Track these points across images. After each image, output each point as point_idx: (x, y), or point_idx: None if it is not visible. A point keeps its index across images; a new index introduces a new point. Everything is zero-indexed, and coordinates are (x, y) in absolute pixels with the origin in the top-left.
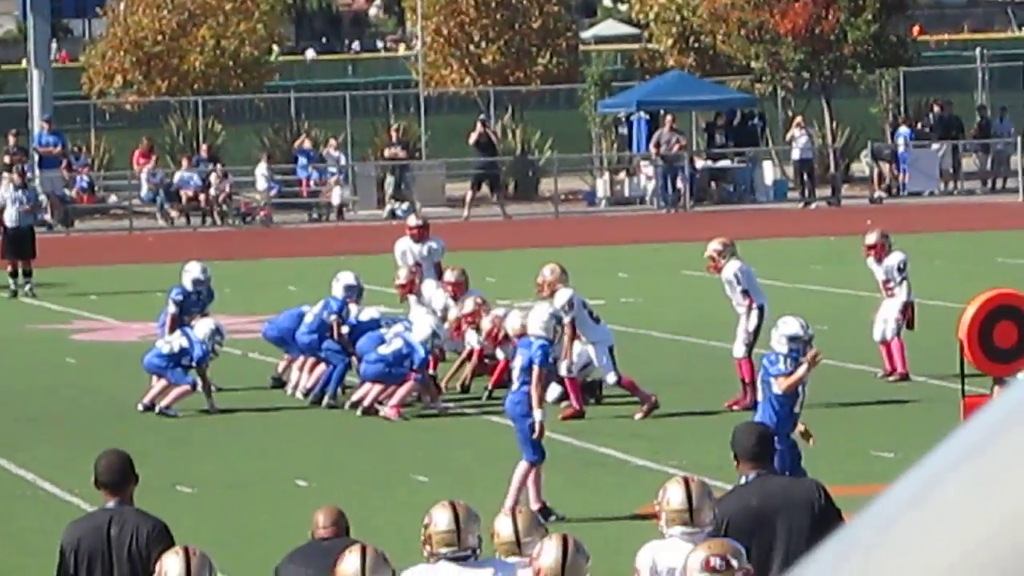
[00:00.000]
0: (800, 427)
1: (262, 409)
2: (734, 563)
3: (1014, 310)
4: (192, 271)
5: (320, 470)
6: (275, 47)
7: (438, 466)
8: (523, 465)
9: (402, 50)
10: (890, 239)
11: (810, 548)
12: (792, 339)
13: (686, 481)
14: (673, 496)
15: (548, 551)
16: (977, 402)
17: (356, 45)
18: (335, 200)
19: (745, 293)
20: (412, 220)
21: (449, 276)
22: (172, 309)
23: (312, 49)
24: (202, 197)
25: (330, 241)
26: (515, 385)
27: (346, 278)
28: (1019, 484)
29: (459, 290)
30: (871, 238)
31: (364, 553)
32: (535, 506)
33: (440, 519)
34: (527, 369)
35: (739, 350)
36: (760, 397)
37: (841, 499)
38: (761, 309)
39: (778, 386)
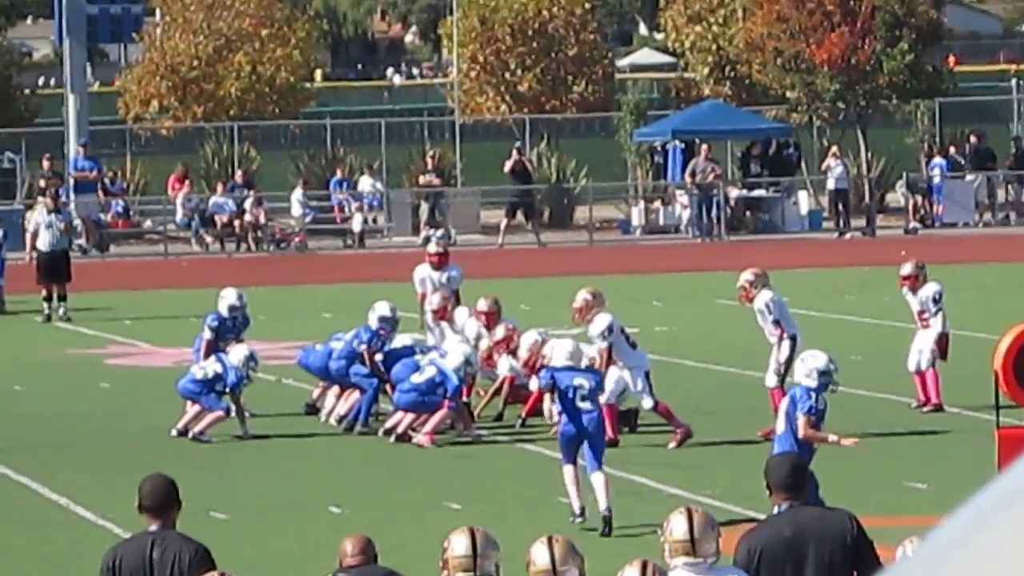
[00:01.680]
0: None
1: (295, 435)
2: None
3: None
4: (228, 297)
5: (353, 497)
6: (318, 72)
7: (471, 494)
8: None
9: (438, 78)
10: (925, 270)
11: None
12: (822, 374)
13: (689, 512)
14: (676, 526)
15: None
16: (1011, 433)
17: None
18: (356, 227)
19: (776, 323)
20: (432, 247)
21: (482, 305)
22: (207, 335)
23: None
24: (237, 223)
25: (365, 268)
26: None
27: (381, 309)
28: None
29: (492, 320)
30: (906, 269)
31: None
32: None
33: (458, 544)
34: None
35: (771, 380)
36: (781, 428)
37: (873, 530)
38: (793, 339)
39: (802, 429)
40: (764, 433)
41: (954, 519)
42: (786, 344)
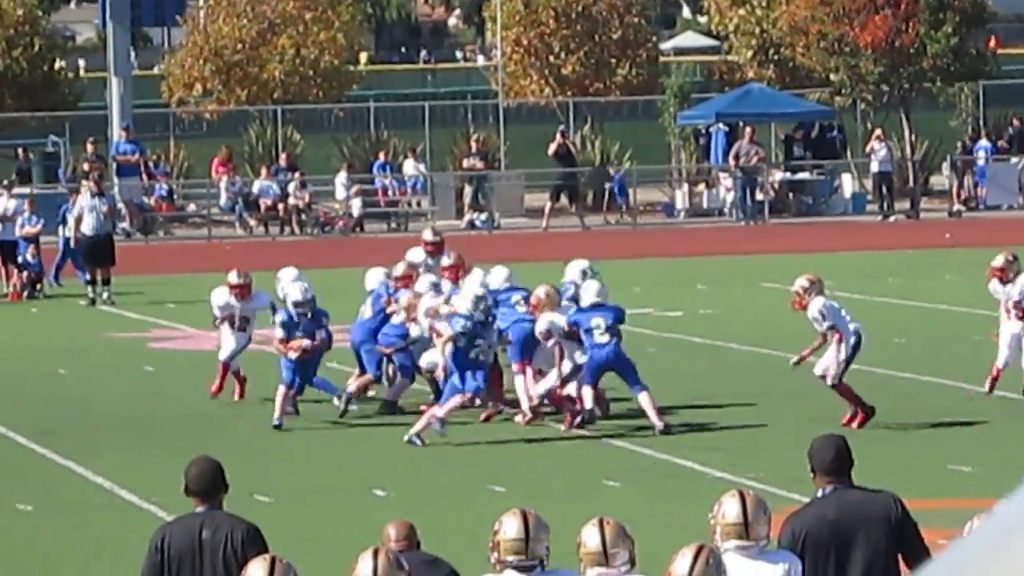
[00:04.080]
0: None
1: (339, 418)
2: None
3: None
4: (293, 294)
5: (397, 480)
6: (363, 55)
7: (515, 477)
8: None
9: (481, 61)
10: (1018, 262)
11: (887, 561)
12: None
13: (741, 494)
14: (728, 510)
15: (682, 561)
16: None
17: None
18: (355, 211)
19: (832, 328)
20: (428, 235)
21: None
22: (280, 333)
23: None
24: (280, 206)
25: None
26: None
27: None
28: None
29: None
30: (999, 261)
31: (376, 557)
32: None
33: (509, 527)
34: None
35: (831, 378)
36: None
37: (918, 513)
38: (858, 336)
39: None
40: (847, 421)
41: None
42: (849, 343)
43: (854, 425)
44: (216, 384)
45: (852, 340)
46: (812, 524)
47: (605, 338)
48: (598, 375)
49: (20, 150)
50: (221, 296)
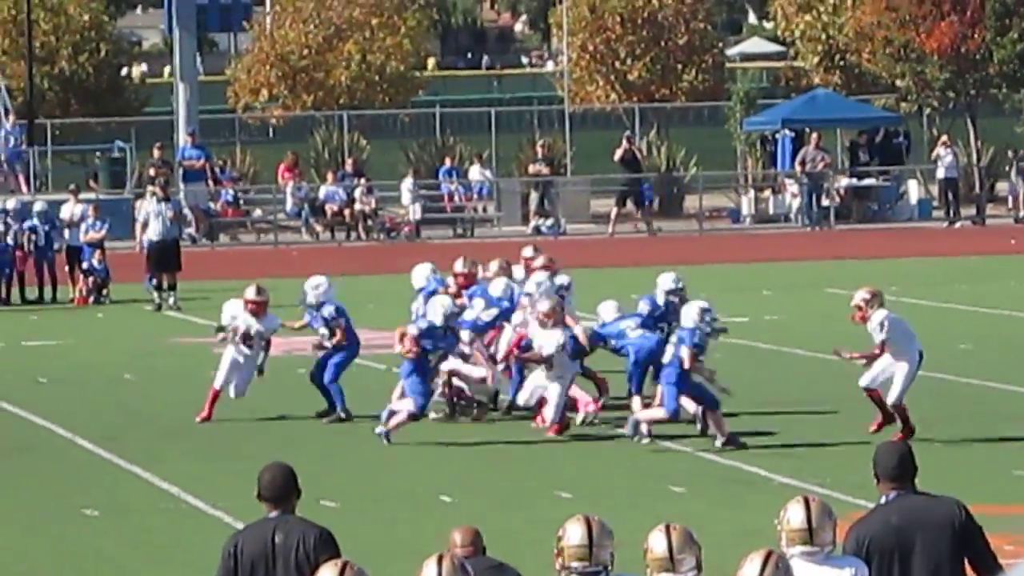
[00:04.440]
0: None
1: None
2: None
3: None
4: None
5: (463, 485)
6: (430, 61)
7: (581, 482)
8: None
9: (548, 66)
10: None
11: (952, 566)
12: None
13: (806, 501)
14: (793, 516)
15: (750, 567)
16: None
17: (491, 63)
18: (412, 216)
19: (884, 343)
20: (459, 266)
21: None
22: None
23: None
24: (347, 212)
25: (475, 256)
26: None
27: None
28: None
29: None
30: None
31: (440, 563)
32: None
33: (573, 533)
34: None
35: (896, 397)
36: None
37: (982, 519)
38: (921, 355)
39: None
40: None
41: None
42: (914, 360)
43: (874, 428)
44: (205, 411)
45: (916, 358)
46: (876, 530)
47: (638, 332)
48: (642, 376)
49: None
50: (234, 308)
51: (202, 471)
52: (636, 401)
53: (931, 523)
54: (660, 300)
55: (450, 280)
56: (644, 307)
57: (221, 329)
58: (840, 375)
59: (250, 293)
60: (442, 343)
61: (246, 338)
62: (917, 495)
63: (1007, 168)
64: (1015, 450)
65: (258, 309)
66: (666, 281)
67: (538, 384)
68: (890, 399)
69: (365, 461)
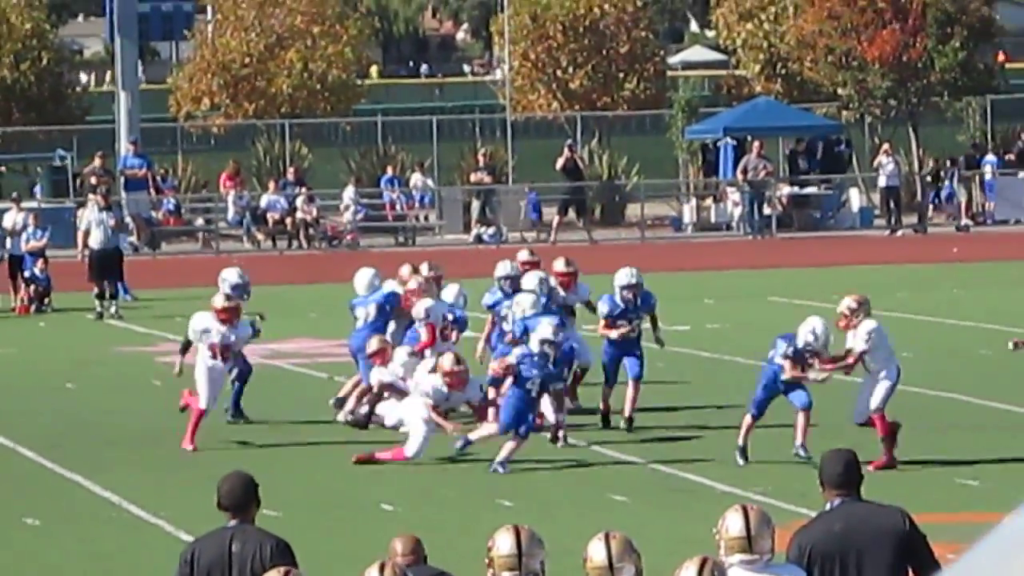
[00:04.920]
0: None
1: (347, 433)
2: None
3: None
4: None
5: (405, 494)
6: (373, 69)
7: (523, 491)
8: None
9: (491, 75)
10: None
11: (895, 575)
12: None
13: (745, 509)
14: (732, 524)
15: (687, 573)
16: None
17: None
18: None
19: (861, 355)
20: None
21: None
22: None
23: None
24: (288, 220)
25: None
26: None
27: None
28: None
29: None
30: None
31: (382, 571)
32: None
33: (503, 543)
34: None
35: (874, 403)
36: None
37: (926, 527)
38: (898, 369)
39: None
40: (875, 465)
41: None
42: (892, 373)
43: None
44: (188, 438)
45: (895, 373)
46: (819, 538)
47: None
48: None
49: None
50: (202, 320)
51: (144, 480)
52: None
53: (875, 531)
54: (617, 297)
55: (401, 288)
56: (603, 308)
57: (187, 345)
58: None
59: (218, 301)
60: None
61: (224, 352)
62: (862, 503)
63: (944, 176)
64: (958, 458)
65: (230, 317)
66: (621, 277)
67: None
68: (872, 404)
69: (306, 469)
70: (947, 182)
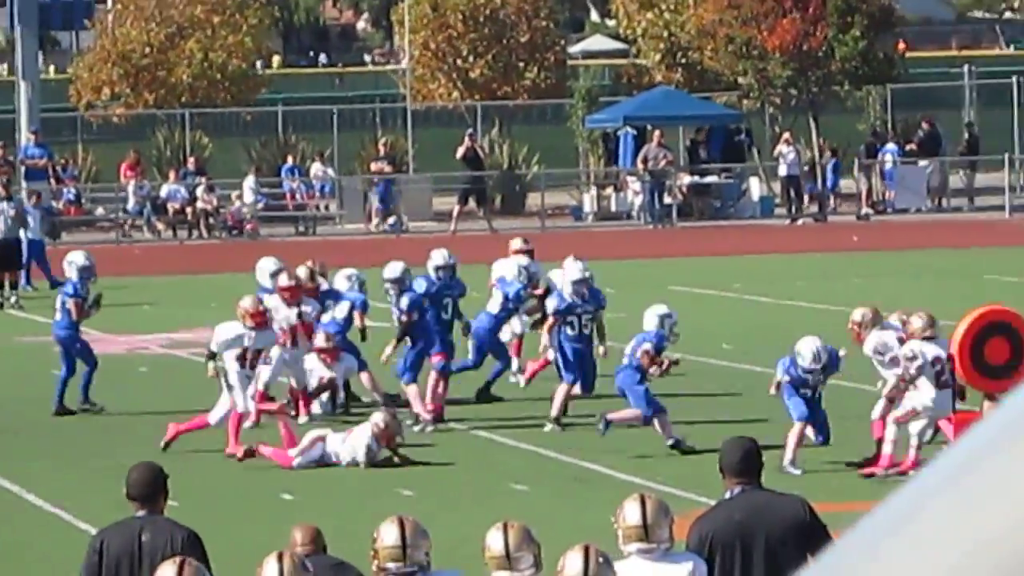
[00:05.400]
0: None
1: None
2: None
3: (1006, 326)
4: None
5: (306, 483)
6: (274, 59)
7: (424, 480)
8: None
9: (390, 64)
10: None
11: (793, 563)
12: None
13: (642, 498)
14: (630, 513)
15: (572, 562)
16: (968, 418)
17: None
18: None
19: (894, 361)
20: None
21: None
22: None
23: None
24: (189, 210)
25: (316, 254)
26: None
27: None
28: (1004, 506)
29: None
30: None
31: (281, 561)
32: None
33: (387, 534)
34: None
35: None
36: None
37: (830, 516)
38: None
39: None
40: (867, 472)
41: (890, 502)
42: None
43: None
44: (234, 444)
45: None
46: (719, 526)
47: None
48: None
49: None
50: (232, 330)
51: (43, 470)
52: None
53: (775, 520)
54: (567, 293)
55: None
56: (554, 304)
57: (212, 357)
58: (680, 372)
59: (247, 304)
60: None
61: (255, 357)
62: (762, 491)
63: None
64: (856, 446)
65: (261, 321)
66: (572, 272)
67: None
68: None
69: (206, 459)
70: (831, 173)
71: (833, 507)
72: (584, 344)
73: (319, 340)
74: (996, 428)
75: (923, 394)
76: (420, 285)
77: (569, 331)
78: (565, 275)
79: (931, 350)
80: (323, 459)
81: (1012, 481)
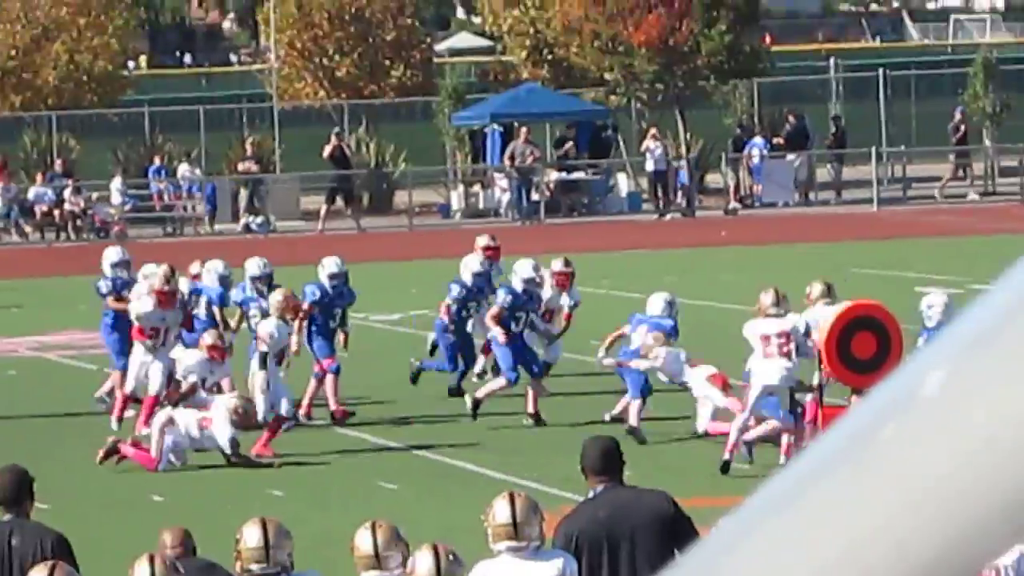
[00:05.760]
0: None
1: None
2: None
3: (872, 321)
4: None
5: (175, 485)
6: (142, 58)
7: (293, 480)
8: None
9: (258, 64)
10: None
11: (660, 557)
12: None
13: (512, 496)
14: (499, 511)
15: (422, 561)
16: (835, 412)
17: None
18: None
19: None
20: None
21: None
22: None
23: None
24: (56, 212)
25: (184, 255)
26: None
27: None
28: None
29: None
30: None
31: (152, 563)
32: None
33: (250, 536)
34: None
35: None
36: None
37: (697, 512)
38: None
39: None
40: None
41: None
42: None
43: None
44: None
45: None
46: (585, 524)
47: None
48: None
49: None
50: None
51: None
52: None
53: (639, 516)
54: (518, 287)
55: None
56: (503, 297)
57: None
58: (552, 369)
59: (210, 339)
60: None
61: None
62: (625, 488)
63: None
64: (721, 441)
65: (220, 355)
66: (525, 270)
67: None
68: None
69: (76, 462)
70: (682, 170)
71: (701, 502)
72: (520, 338)
73: (208, 338)
74: (832, 447)
75: (758, 370)
76: (313, 293)
77: (514, 326)
78: (517, 273)
79: (770, 326)
80: (177, 446)
81: (842, 505)
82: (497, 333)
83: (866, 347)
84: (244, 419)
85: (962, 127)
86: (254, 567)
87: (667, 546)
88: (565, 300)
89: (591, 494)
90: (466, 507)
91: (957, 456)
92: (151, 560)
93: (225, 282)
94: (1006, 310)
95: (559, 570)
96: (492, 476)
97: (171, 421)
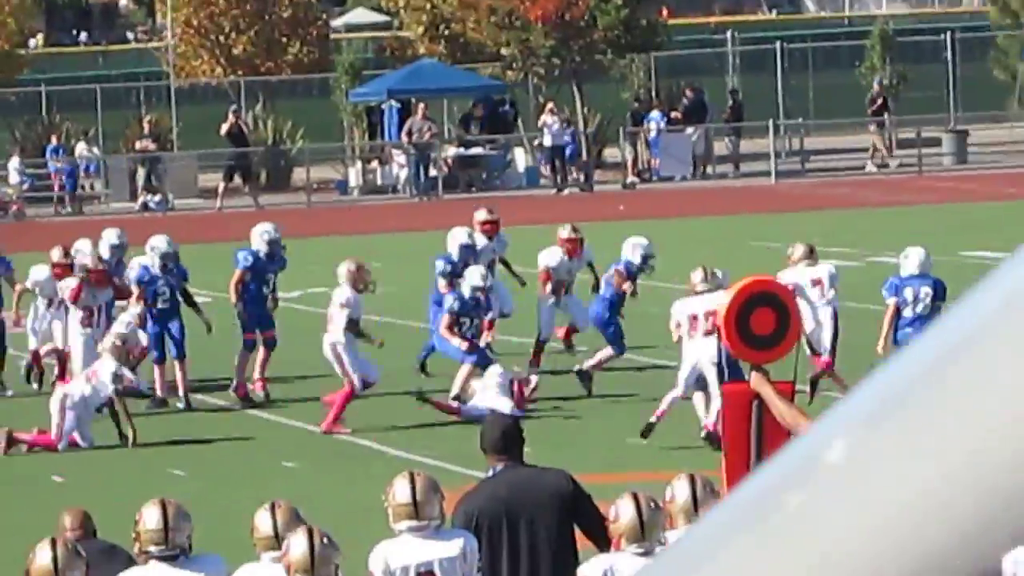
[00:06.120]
0: None
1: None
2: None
3: (771, 296)
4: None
5: (77, 466)
6: (39, 37)
7: (195, 459)
8: None
9: (153, 42)
10: None
11: (561, 535)
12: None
13: (412, 475)
14: (399, 491)
15: (296, 544)
16: (735, 389)
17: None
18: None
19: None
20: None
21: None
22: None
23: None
24: None
25: (84, 234)
26: None
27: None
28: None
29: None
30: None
31: (54, 547)
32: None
33: (149, 517)
34: None
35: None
36: None
37: (595, 487)
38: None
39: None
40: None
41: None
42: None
43: None
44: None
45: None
46: (484, 503)
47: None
48: None
49: None
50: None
51: None
52: None
53: (538, 494)
54: (467, 294)
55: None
56: (452, 303)
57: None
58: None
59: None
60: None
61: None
62: (525, 467)
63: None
64: (627, 419)
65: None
66: (475, 279)
67: None
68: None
69: None
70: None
71: (604, 478)
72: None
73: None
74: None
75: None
76: (246, 259)
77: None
78: (466, 279)
79: (697, 305)
80: (81, 422)
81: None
82: (458, 343)
83: (765, 323)
84: (123, 351)
85: (880, 99)
86: (152, 548)
87: (567, 524)
88: (575, 264)
89: (490, 472)
90: (366, 486)
91: (863, 525)
92: (53, 544)
93: (118, 252)
94: (910, 379)
95: (460, 549)
96: (394, 454)
97: (66, 396)
